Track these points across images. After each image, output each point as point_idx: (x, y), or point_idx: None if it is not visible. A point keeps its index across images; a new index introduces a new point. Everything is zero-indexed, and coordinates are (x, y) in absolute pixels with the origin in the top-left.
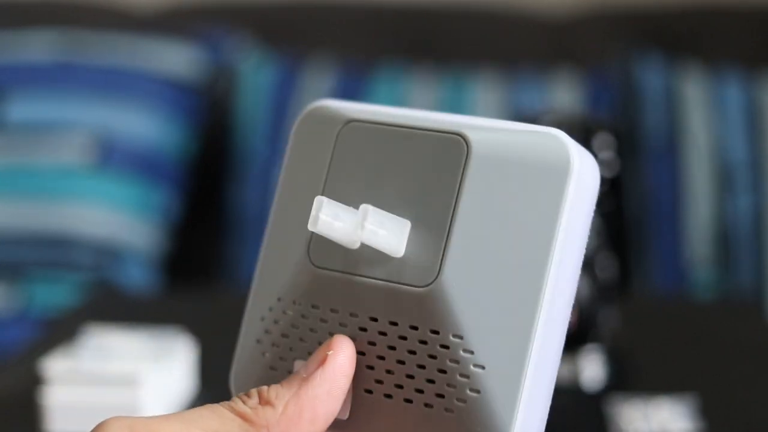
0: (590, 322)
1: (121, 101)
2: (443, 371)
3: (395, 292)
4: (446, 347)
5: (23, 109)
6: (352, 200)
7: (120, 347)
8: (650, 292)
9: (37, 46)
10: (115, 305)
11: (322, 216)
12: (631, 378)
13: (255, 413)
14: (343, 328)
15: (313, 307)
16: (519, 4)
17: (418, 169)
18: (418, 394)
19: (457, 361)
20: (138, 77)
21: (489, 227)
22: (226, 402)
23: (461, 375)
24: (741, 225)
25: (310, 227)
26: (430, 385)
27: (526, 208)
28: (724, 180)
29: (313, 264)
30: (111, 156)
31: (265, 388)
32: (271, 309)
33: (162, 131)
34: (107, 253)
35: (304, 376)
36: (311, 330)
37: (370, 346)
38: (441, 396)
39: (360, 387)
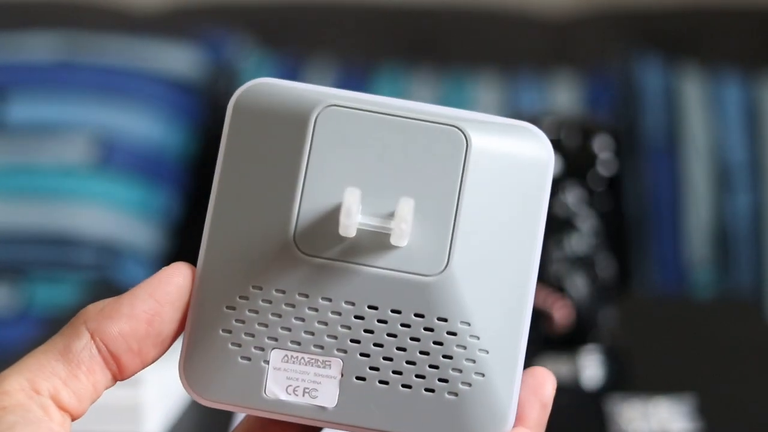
0: (590, 322)
1: (122, 101)
2: (449, 357)
3: (401, 281)
4: (454, 334)
5: (24, 109)
6: (341, 188)
7: None
8: (650, 292)
9: (37, 47)
10: None
11: (355, 208)
12: (630, 378)
13: (76, 316)
14: (336, 316)
15: (302, 296)
16: (519, 4)
17: (414, 160)
18: (419, 380)
19: (464, 347)
20: (138, 77)
21: (488, 216)
22: None
23: (467, 360)
24: (740, 225)
25: (344, 219)
26: (433, 371)
27: (517, 198)
28: (724, 180)
29: (302, 252)
30: (112, 156)
31: None
32: (245, 298)
33: (163, 131)
34: (108, 253)
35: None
36: (298, 319)
37: (366, 334)
38: (444, 381)
39: (350, 375)
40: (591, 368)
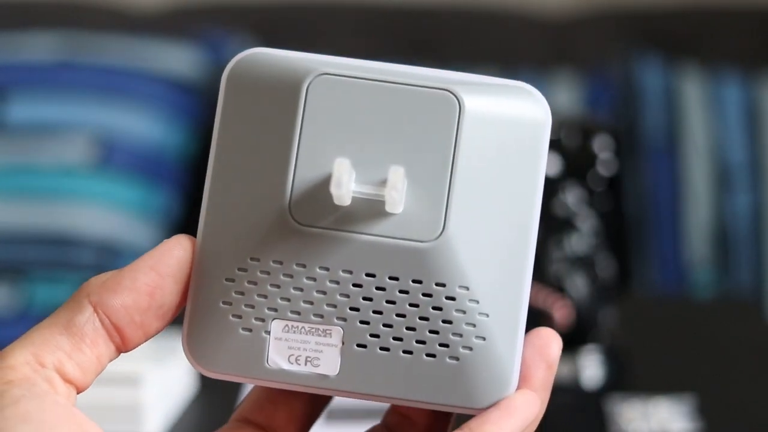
0: (590, 322)
1: (122, 101)
2: (449, 322)
3: (398, 248)
4: (452, 299)
5: (24, 109)
6: (334, 157)
7: None
8: (650, 292)
9: (37, 47)
10: None
11: (345, 178)
12: (630, 378)
13: (80, 289)
14: (335, 285)
15: (299, 266)
16: (519, 4)
17: (407, 126)
18: (420, 345)
19: (463, 311)
20: (138, 77)
21: (483, 179)
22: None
23: (467, 324)
24: (740, 225)
25: (334, 190)
26: (434, 336)
27: (514, 159)
28: (723, 180)
29: (297, 222)
30: (112, 156)
31: None
32: (243, 269)
33: (163, 131)
34: (108, 253)
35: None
36: (297, 289)
37: (365, 302)
38: (445, 345)
39: (351, 342)
40: (591, 368)
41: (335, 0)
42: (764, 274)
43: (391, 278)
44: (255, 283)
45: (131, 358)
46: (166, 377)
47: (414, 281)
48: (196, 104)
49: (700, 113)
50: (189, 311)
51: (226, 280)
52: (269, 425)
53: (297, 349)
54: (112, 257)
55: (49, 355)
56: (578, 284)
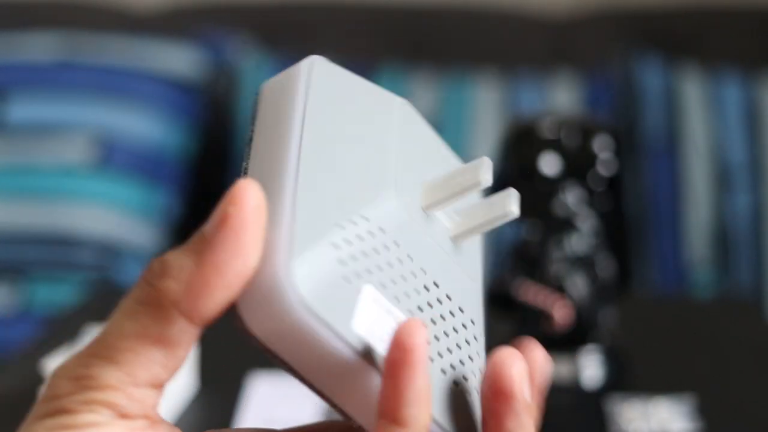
0: (590, 322)
1: (122, 101)
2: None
3: (457, 271)
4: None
5: (24, 109)
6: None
7: None
8: (650, 292)
9: (37, 47)
10: (116, 304)
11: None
12: (630, 378)
13: (158, 294)
14: (412, 278)
15: (396, 244)
16: (519, 4)
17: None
18: (457, 367)
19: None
20: (138, 77)
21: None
22: (132, 296)
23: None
24: (740, 225)
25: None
26: (468, 363)
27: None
28: (723, 180)
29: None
30: (112, 156)
31: (166, 257)
32: (353, 222)
33: (163, 131)
34: (108, 253)
35: (207, 237)
36: (389, 264)
37: (429, 308)
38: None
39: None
40: (591, 368)
41: (335, 0)
42: (764, 274)
43: (447, 297)
44: (362, 239)
45: None
46: None
47: (460, 309)
48: (196, 104)
49: (700, 113)
50: (297, 233)
51: (335, 225)
52: None
53: (375, 323)
54: (112, 257)
55: (144, 372)
56: (578, 284)
